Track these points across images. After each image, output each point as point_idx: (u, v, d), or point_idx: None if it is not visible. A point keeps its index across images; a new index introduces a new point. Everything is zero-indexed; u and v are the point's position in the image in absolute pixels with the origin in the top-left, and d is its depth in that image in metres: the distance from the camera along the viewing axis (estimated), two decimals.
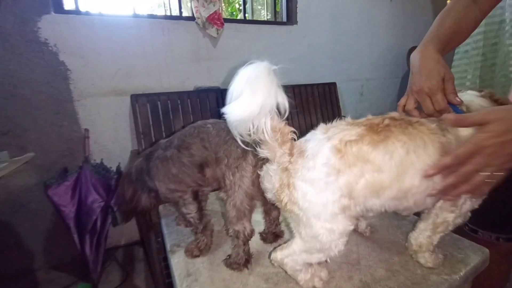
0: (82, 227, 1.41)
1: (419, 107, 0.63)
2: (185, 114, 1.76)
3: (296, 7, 2.13)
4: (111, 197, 1.46)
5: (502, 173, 0.47)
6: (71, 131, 1.61)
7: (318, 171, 0.52)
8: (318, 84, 2.27)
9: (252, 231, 0.69)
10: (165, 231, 0.87)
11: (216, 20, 1.78)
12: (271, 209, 0.78)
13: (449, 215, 0.63)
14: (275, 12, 2.24)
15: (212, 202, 1.02)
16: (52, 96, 1.54)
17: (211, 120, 0.75)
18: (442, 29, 0.66)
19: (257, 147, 0.57)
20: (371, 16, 2.53)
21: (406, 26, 2.74)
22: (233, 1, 3.48)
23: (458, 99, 0.59)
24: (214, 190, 0.79)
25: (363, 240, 0.80)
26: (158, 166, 0.72)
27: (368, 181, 0.51)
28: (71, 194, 1.40)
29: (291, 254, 0.60)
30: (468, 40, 1.17)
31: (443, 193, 0.52)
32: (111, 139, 1.73)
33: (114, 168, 1.66)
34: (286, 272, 0.63)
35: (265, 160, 0.60)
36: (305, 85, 2.21)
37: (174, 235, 0.84)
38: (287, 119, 0.55)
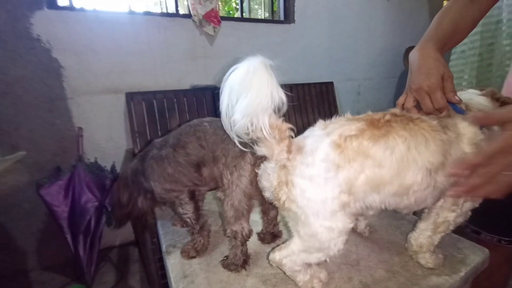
0: (76, 228, 1.39)
1: (417, 106, 0.63)
2: (181, 113, 1.74)
3: (294, 6, 2.12)
4: (105, 196, 1.43)
5: None
6: (64, 130, 1.57)
7: (317, 167, 0.50)
8: (315, 84, 2.27)
9: (250, 231, 0.67)
10: (161, 231, 0.85)
11: (213, 17, 1.76)
12: (269, 209, 0.77)
13: (450, 214, 0.62)
14: (272, 11, 2.23)
15: (209, 202, 1.00)
16: (45, 93, 1.51)
17: (207, 119, 0.73)
18: (441, 28, 0.66)
19: (254, 145, 0.56)
20: (368, 15, 2.54)
21: (403, 26, 2.75)
22: (230, 0, 3.46)
23: (457, 98, 0.58)
24: (211, 190, 0.78)
25: (362, 241, 0.79)
26: (153, 166, 0.71)
27: (369, 177, 0.50)
28: (64, 194, 1.37)
29: (289, 255, 0.58)
30: (465, 40, 1.18)
31: (467, 194, 0.50)
32: (106, 138, 1.70)
33: (108, 168, 1.63)
34: (284, 273, 0.62)
35: (264, 159, 0.59)
36: (302, 84, 2.20)
37: (170, 235, 0.82)
38: (283, 117, 0.53)
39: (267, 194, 0.59)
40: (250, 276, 0.65)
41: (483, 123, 0.53)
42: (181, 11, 1.83)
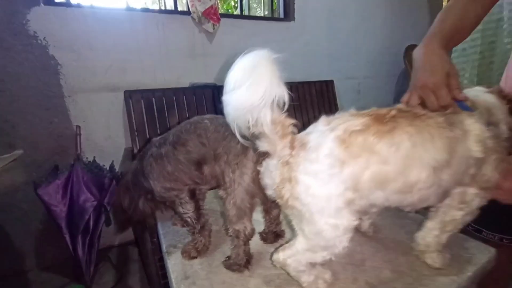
0: (74, 227, 1.37)
1: (422, 104, 0.62)
2: (180, 111, 1.72)
3: (294, 4, 2.10)
4: (104, 196, 1.41)
5: None
6: (62, 128, 1.55)
7: (321, 163, 0.49)
8: (315, 82, 2.25)
9: (253, 231, 0.66)
10: (161, 231, 0.83)
11: (212, 15, 1.74)
12: (272, 208, 0.75)
13: (458, 212, 0.61)
14: (272, 9, 2.21)
15: (210, 201, 0.98)
16: (42, 91, 1.48)
17: (208, 116, 0.72)
18: (445, 26, 0.65)
19: (256, 141, 0.54)
20: (368, 14, 2.52)
21: (403, 24, 2.74)
22: None
23: (463, 95, 0.57)
24: (212, 188, 0.76)
25: (367, 240, 0.77)
26: (152, 164, 0.69)
27: (374, 173, 0.49)
28: (62, 193, 1.35)
29: (294, 254, 0.57)
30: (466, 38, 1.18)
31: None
32: (104, 137, 1.68)
33: (107, 167, 1.61)
34: (288, 273, 0.60)
35: (266, 156, 0.57)
36: (302, 83, 2.18)
37: (170, 235, 0.81)
38: (287, 112, 0.52)
39: (269, 192, 0.57)
40: (253, 276, 0.64)
41: None
42: (180, 8, 1.81)
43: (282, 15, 2.15)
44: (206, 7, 1.70)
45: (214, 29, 1.78)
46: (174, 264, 0.68)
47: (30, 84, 1.45)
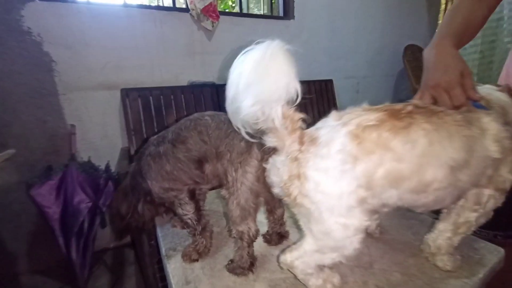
0: (68, 229, 1.32)
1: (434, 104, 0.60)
2: (178, 110, 1.68)
3: (293, 1, 2.08)
4: (99, 197, 1.37)
5: None
6: (56, 127, 1.50)
7: (332, 159, 0.46)
8: (314, 81, 2.23)
9: (257, 232, 0.63)
10: (160, 233, 0.80)
11: (211, 12, 1.71)
12: (276, 208, 0.73)
13: (472, 214, 0.59)
14: (271, 7, 2.18)
15: (210, 202, 0.95)
16: (35, 89, 1.44)
17: (209, 112, 0.69)
18: (454, 26, 0.64)
19: (262, 137, 0.51)
20: (367, 13, 2.51)
21: (402, 24, 2.73)
22: None
23: (479, 95, 0.56)
24: (213, 188, 0.73)
25: (374, 242, 0.75)
26: (150, 164, 0.66)
27: (387, 171, 0.46)
28: (56, 194, 1.31)
29: (302, 256, 0.54)
30: None
31: None
32: (100, 136, 1.64)
33: (102, 167, 1.56)
34: (295, 276, 0.58)
35: (272, 153, 0.55)
36: (301, 82, 2.15)
37: (169, 237, 0.77)
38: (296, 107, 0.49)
39: (276, 190, 0.54)
40: (258, 281, 0.61)
41: None
42: (178, 5, 1.77)
43: (281, 14, 2.13)
44: (205, 4, 1.66)
45: (213, 26, 1.75)
46: (174, 268, 0.65)
47: (23, 82, 1.40)
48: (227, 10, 3.42)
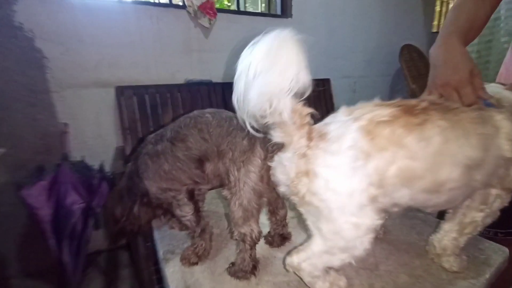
0: (60, 231, 1.28)
1: None
2: (175, 109, 1.65)
3: (291, 0, 2.06)
4: (93, 197, 1.33)
5: None
6: (48, 126, 1.46)
7: (343, 155, 0.45)
8: (312, 80, 2.21)
9: (260, 233, 0.60)
10: (156, 235, 0.77)
11: (208, 9, 1.68)
12: (278, 208, 0.70)
13: (478, 214, 0.57)
14: (269, 5, 2.16)
15: (209, 202, 0.92)
16: (27, 86, 1.39)
17: (209, 110, 0.66)
18: (460, 23, 0.63)
19: (268, 132, 0.49)
20: (364, 13, 2.51)
21: (398, 24, 2.74)
22: None
23: (489, 94, 0.55)
24: (213, 188, 0.70)
25: (378, 242, 0.73)
26: (147, 163, 0.63)
27: (401, 169, 0.44)
28: (48, 195, 1.26)
29: (309, 257, 0.52)
30: None
31: None
32: (94, 135, 1.59)
33: (96, 166, 1.52)
34: (302, 279, 0.55)
35: (276, 152, 0.52)
36: None
37: (167, 240, 0.74)
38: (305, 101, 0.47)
39: (282, 189, 0.52)
40: (261, 284, 0.59)
41: None
42: (175, 1, 1.74)
43: (279, 12, 2.11)
44: (203, 1, 1.64)
45: (210, 24, 1.72)
46: (173, 272, 0.62)
47: (13, 78, 1.36)
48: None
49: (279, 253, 0.68)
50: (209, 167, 0.62)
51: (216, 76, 1.84)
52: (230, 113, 0.63)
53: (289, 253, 0.56)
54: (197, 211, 0.67)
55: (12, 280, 1.52)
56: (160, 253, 0.69)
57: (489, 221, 0.59)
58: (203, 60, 1.80)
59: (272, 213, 0.71)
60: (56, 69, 1.43)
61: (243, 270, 0.59)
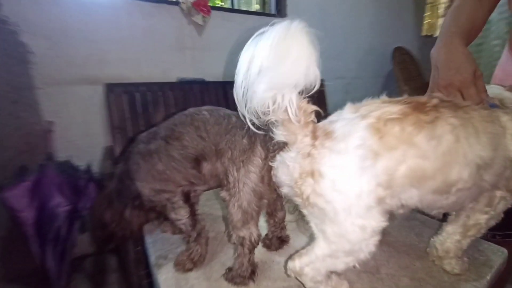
0: (44, 235, 1.21)
1: None
2: (167, 108, 1.60)
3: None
4: (79, 200, 1.27)
5: None
6: (32, 124, 1.39)
7: (351, 155, 0.43)
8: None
9: (260, 237, 0.58)
10: (148, 239, 0.73)
11: (202, 6, 1.65)
12: (276, 210, 0.68)
13: (482, 216, 0.56)
14: (263, 4, 2.14)
15: (203, 204, 0.89)
16: (9, 82, 1.32)
17: (206, 107, 0.63)
18: (460, 24, 0.63)
19: (270, 130, 0.47)
20: (358, 14, 2.53)
21: (390, 26, 2.77)
22: None
23: (491, 97, 0.54)
24: (209, 189, 0.67)
25: (377, 244, 0.72)
26: (139, 163, 0.59)
27: (410, 168, 0.43)
28: (30, 197, 1.19)
29: (312, 261, 0.49)
30: None
31: None
32: (81, 134, 1.53)
33: (83, 167, 1.46)
34: (303, 285, 0.53)
35: (277, 151, 0.50)
36: None
37: (159, 244, 0.71)
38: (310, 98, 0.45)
39: (285, 190, 0.50)
40: None
41: None
42: None
43: (274, 11, 2.09)
44: None
45: (204, 21, 1.68)
46: (166, 279, 0.59)
47: None
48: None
49: (277, 257, 0.65)
50: (206, 167, 0.59)
51: (210, 75, 1.80)
52: (228, 111, 0.60)
53: (290, 257, 0.53)
54: (193, 214, 0.64)
55: None
56: (152, 258, 0.65)
57: (492, 223, 0.58)
58: (196, 58, 1.76)
59: (270, 215, 0.68)
60: (41, 64, 1.36)
61: (241, 276, 0.56)
